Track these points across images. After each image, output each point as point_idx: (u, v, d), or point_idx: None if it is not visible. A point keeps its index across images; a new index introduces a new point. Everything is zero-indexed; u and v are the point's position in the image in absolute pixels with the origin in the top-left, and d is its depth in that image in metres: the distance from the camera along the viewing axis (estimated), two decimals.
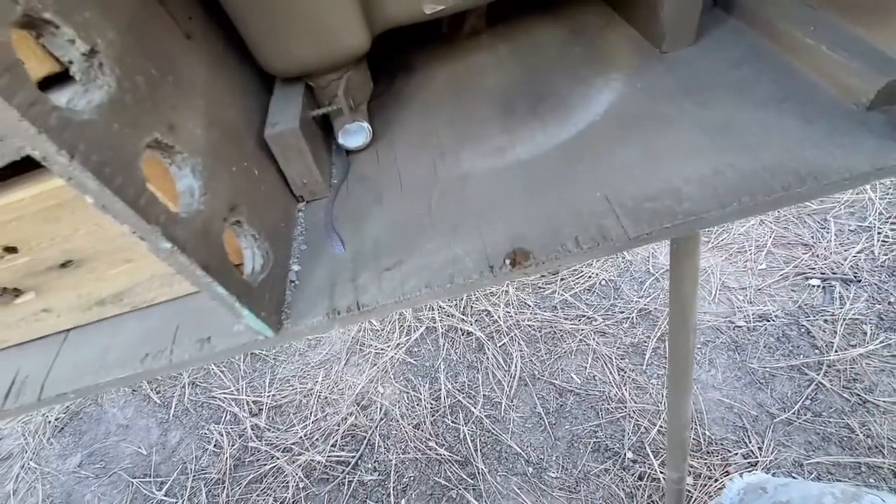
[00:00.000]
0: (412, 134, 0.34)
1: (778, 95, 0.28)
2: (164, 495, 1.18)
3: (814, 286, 1.15)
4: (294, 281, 0.28)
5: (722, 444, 0.97)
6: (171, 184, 0.22)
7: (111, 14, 0.19)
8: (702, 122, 0.28)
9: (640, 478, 0.96)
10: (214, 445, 1.24)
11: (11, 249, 0.24)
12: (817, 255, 1.20)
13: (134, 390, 1.44)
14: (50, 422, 1.45)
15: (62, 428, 1.44)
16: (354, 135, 0.33)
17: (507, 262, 0.24)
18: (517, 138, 0.31)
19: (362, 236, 0.29)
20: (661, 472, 0.96)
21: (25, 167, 0.23)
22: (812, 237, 1.24)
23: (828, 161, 0.24)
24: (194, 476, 1.20)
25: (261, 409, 1.28)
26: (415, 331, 1.33)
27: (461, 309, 1.35)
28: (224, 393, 1.34)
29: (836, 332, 1.05)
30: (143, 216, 0.18)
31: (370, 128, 0.33)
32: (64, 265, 0.26)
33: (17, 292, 0.27)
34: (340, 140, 0.33)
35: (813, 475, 0.90)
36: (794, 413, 0.98)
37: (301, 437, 1.19)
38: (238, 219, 0.24)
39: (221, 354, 0.26)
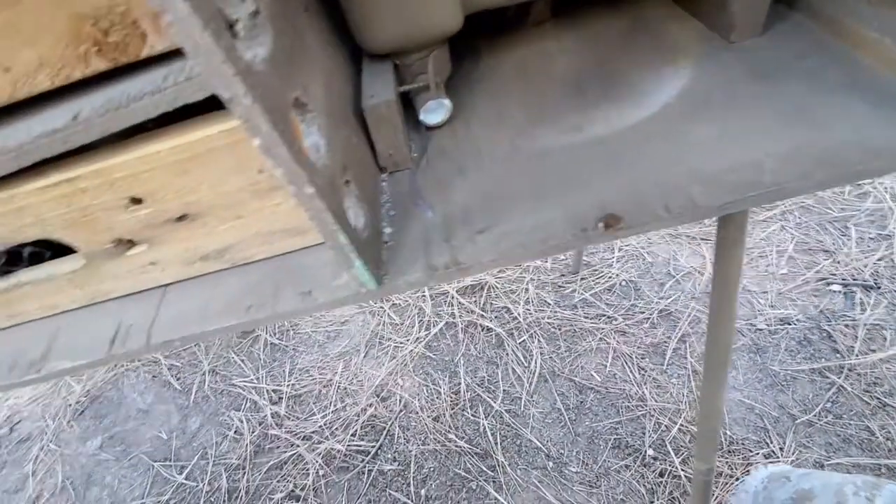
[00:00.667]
0: (486, 113, 0.36)
1: (845, 83, 0.30)
2: (185, 479, 1.20)
3: (835, 291, 1.16)
4: (387, 241, 0.29)
5: (743, 444, 0.98)
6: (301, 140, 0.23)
7: None
8: (774, 105, 0.30)
9: (661, 475, 0.97)
10: (234, 432, 1.25)
11: (137, 200, 0.26)
12: (838, 262, 1.21)
13: (154, 376, 1.46)
14: (70, 405, 1.48)
15: (82, 411, 1.46)
16: (435, 111, 0.35)
17: (600, 224, 0.26)
18: (592, 118, 0.33)
19: (449, 203, 0.31)
20: (683, 470, 0.97)
21: (163, 122, 0.25)
22: (833, 244, 1.25)
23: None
24: (214, 461, 1.21)
25: (281, 398, 1.29)
26: (434, 325, 1.35)
27: (481, 305, 1.36)
28: (244, 381, 1.36)
29: (856, 337, 1.06)
30: (296, 160, 0.20)
31: (450, 104, 0.35)
32: (180, 218, 0.28)
33: (130, 244, 0.29)
34: (422, 116, 0.35)
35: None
36: (815, 415, 0.98)
37: (321, 426, 1.21)
38: (348, 178, 0.26)
39: (323, 306, 0.28)
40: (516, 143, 0.33)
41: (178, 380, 1.42)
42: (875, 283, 1.13)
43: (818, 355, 1.07)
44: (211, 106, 0.24)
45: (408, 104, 0.36)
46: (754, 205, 0.25)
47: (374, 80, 0.32)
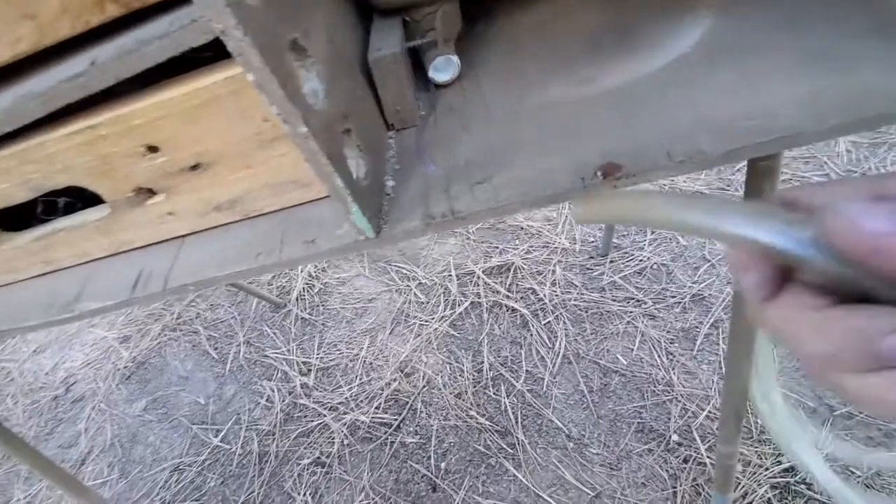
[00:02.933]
0: (497, 70, 0.36)
1: (872, 26, 0.28)
2: (220, 441, 1.26)
3: None
4: (389, 194, 0.30)
5: None
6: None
7: None
8: (795, 50, 0.28)
9: (686, 461, 0.95)
10: (266, 400, 1.31)
11: (154, 149, 0.28)
12: None
13: (194, 346, 1.54)
14: (119, 370, 1.58)
15: (129, 376, 1.56)
16: (444, 69, 0.35)
17: (598, 173, 0.25)
18: (606, 70, 0.32)
19: (453, 156, 0.31)
20: (709, 457, 0.95)
21: (171, 73, 0.26)
22: None
23: None
24: (247, 426, 1.28)
25: (310, 370, 1.34)
26: (459, 305, 1.35)
27: (507, 286, 1.36)
28: (276, 353, 1.42)
29: None
30: (290, 100, 0.20)
31: (459, 62, 0.34)
32: (194, 167, 0.29)
33: (150, 193, 0.31)
34: (431, 74, 0.35)
35: (873, 470, 0.86)
36: (854, 407, 0.93)
37: (346, 398, 1.25)
38: (348, 127, 0.27)
39: (326, 254, 0.29)
40: (524, 97, 0.33)
41: (215, 349, 1.49)
42: None
43: None
44: (221, 57, 0.25)
45: (417, 63, 0.36)
46: (762, 152, 0.24)
47: (381, 35, 0.32)
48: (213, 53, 0.26)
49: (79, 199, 0.34)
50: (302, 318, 1.46)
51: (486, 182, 0.28)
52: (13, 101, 0.24)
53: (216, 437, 1.28)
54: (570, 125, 0.29)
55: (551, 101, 0.32)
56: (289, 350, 1.40)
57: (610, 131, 0.28)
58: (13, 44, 0.24)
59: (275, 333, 1.45)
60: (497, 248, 1.47)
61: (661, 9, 0.35)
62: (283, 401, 1.28)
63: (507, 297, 1.33)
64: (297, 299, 1.52)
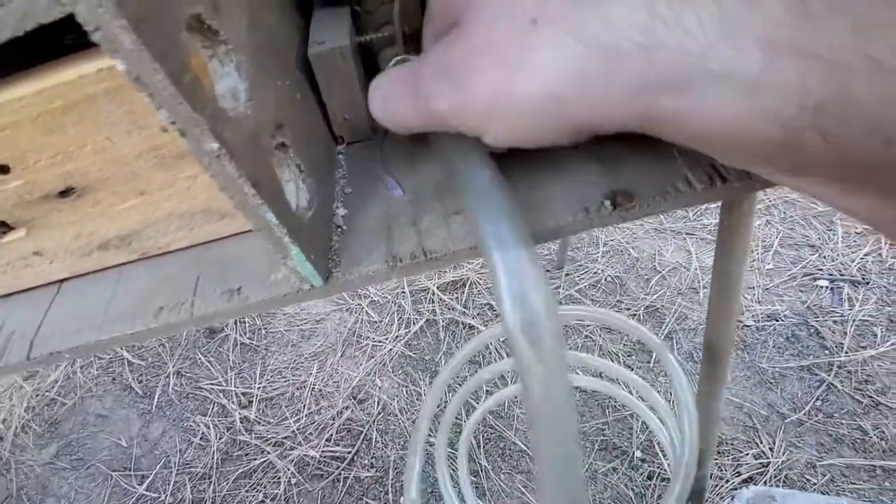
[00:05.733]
0: None
1: None
2: (146, 490, 1.12)
3: (822, 287, 1.14)
4: (341, 226, 0.23)
5: (733, 445, 0.95)
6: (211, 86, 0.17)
7: None
8: None
9: (650, 477, 0.93)
10: (200, 438, 1.18)
11: (2, 168, 0.20)
12: (824, 257, 1.19)
13: (114, 379, 1.37)
14: (24, 410, 1.37)
15: (36, 417, 1.36)
16: None
17: (607, 202, 0.20)
18: None
19: (419, 178, 0.25)
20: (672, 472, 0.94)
21: (28, 62, 0.19)
22: (819, 238, 1.23)
23: None
24: (178, 470, 1.14)
25: (251, 402, 1.22)
26: (414, 323, 1.29)
27: (462, 302, 1.31)
28: (211, 384, 1.28)
29: (845, 334, 1.04)
30: (187, 98, 0.13)
31: None
32: (64, 193, 0.21)
33: (4, 227, 0.22)
34: None
35: (826, 477, 0.88)
36: (805, 414, 0.96)
37: (294, 431, 1.14)
38: (284, 140, 0.20)
39: (256, 307, 0.22)
40: None
41: (139, 383, 1.33)
42: (863, 279, 1.12)
43: (807, 352, 1.04)
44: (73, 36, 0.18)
45: (368, 64, 0.30)
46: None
47: (324, 26, 0.25)
48: (77, 36, 0.19)
49: None
50: (242, 344, 1.34)
51: (463, 212, 0.22)
52: None
53: (141, 484, 1.12)
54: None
55: None
56: (226, 380, 1.27)
57: (611, 150, 0.23)
58: None
59: (210, 362, 1.31)
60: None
61: None
62: (221, 438, 1.15)
63: (464, 313, 1.28)
64: (235, 323, 1.39)
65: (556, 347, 0.15)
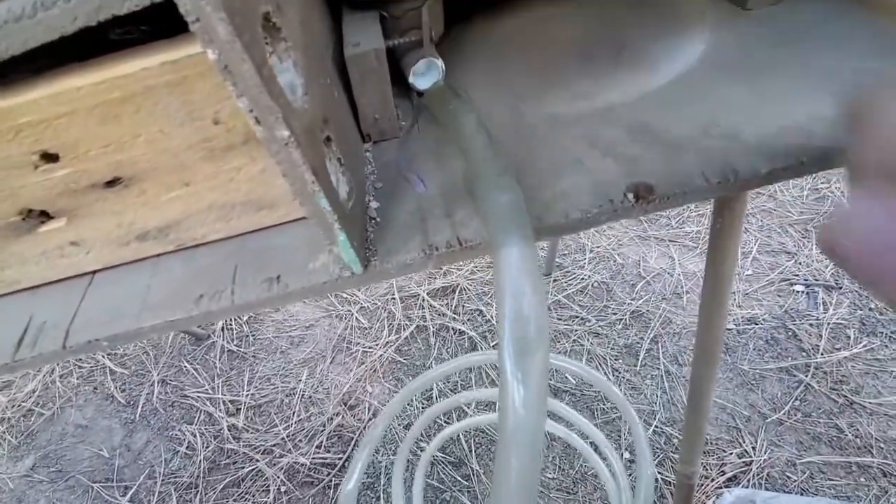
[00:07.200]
0: (483, 79, 0.32)
1: (873, 47, 0.27)
2: (129, 501, 1.08)
3: (798, 292, 1.19)
4: (374, 218, 0.24)
5: (717, 444, 0.97)
6: None
7: None
8: (804, 67, 0.27)
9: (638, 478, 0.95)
10: (187, 447, 1.15)
11: (51, 157, 0.20)
12: (800, 263, 1.24)
13: (95, 388, 1.33)
14: None
15: (11, 428, 1.31)
16: (426, 75, 0.30)
17: (630, 195, 0.22)
18: (605, 85, 0.29)
19: (448, 173, 0.26)
20: (660, 473, 0.96)
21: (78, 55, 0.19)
22: (794, 245, 1.28)
23: None
24: (163, 480, 1.11)
25: (238, 409, 1.20)
26: (405, 329, 1.29)
27: (452, 308, 1.32)
28: (198, 392, 1.26)
29: (821, 336, 1.08)
30: (267, 88, 0.15)
31: (443, 66, 0.30)
32: (110, 183, 0.22)
33: (44, 217, 0.23)
34: (411, 79, 0.30)
35: (806, 474, 0.91)
36: (784, 413, 0.99)
37: (283, 439, 1.13)
38: (329, 134, 0.21)
39: (296, 295, 0.22)
40: (520, 110, 0.29)
41: (122, 392, 1.29)
42: (836, 284, 1.17)
43: (785, 354, 1.08)
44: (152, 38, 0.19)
45: (394, 68, 0.31)
46: (804, 173, 0.22)
47: (357, 29, 0.27)
48: (137, 35, 0.20)
49: None
50: (229, 351, 1.32)
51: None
52: None
53: (124, 495, 1.09)
54: (577, 141, 0.26)
55: (551, 114, 0.28)
56: (213, 388, 1.25)
57: (626, 148, 0.24)
58: None
59: (196, 370, 1.29)
60: (441, 268, 1.43)
61: (655, 25, 0.33)
62: (208, 447, 1.13)
63: (454, 319, 1.29)
64: (222, 329, 1.37)
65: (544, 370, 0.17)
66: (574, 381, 1.13)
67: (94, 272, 0.26)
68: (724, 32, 0.31)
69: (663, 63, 0.30)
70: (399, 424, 1.11)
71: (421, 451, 0.99)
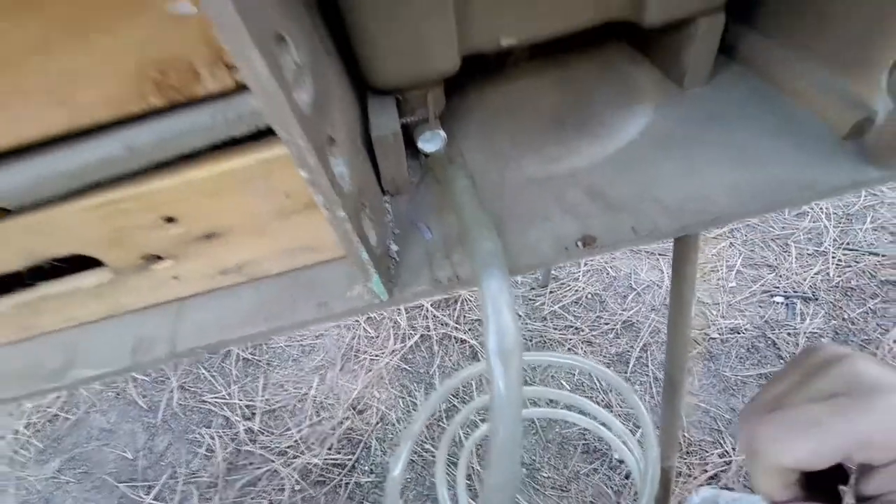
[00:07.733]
0: (477, 143, 0.41)
1: (780, 126, 0.36)
2: (153, 499, 1.16)
3: (778, 303, 1.27)
4: (394, 258, 0.33)
5: (700, 446, 1.05)
6: None
7: (301, 24, 0.25)
8: (724, 144, 0.36)
9: (627, 476, 1.03)
10: (206, 449, 1.23)
11: (171, 220, 0.29)
12: (780, 276, 1.32)
13: (118, 394, 1.41)
14: (24, 425, 1.41)
15: (37, 432, 1.40)
16: (431, 141, 0.39)
17: (579, 244, 0.31)
18: (571, 150, 0.38)
19: (447, 225, 0.35)
20: None
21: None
22: (776, 259, 1.36)
23: (818, 176, 0.32)
24: (185, 480, 1.19)
25: (254, 414, 1.28)
26: (409, 338, 1.37)
27: (455, 318, 1.40)
28: (215, 397, 1.34)
29: (798, 344, 1.16)
30: (334, 190, 0.23)
31: (445, 135, 0.39)
32: (208, 236, 0.30)
33: (158, 259, 0.32)
34: (420, 145, 0.39)
35: None
36: None
37: (296, 441, 1.21)
38: (363, 201, 0.30)
39: (339, 316, 0.31)
40: (505, 173, 0.38)
41: (143, 397, 1.38)
42: (813, 295, 1.25)
43: (764, 361, 1.16)
44: (242, 138, 0.28)
45: (406, 136, 0.40)
46: (701, 229, 0.30)
47: (379, 114, 0.36)
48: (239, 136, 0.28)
49: (66, 261, 0.34)
50: (244, 359, 1.40)
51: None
52: (35, 180, 0.25)
53: (148, 494, 1.17)
54: (545, 201, 0.34)
55: (527, 177, 0.37)
56: (230, 393, 1.33)
57: (581, 208, 0.33)
58: (42, 125, 0.25)
59: (213, 376, 1.38)
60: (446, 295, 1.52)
61: (609, 95, 0.42)
62: (226, 449, 1.21)
63: (456, 328, 1.38)
64: None
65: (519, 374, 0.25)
66: (568, 387, 1.21)
67: (185, 298, 0.35)
68: (665, 108, 0.40)
69: (615, 132, 0.39)
70: (405, 428, 1.19)
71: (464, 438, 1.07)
